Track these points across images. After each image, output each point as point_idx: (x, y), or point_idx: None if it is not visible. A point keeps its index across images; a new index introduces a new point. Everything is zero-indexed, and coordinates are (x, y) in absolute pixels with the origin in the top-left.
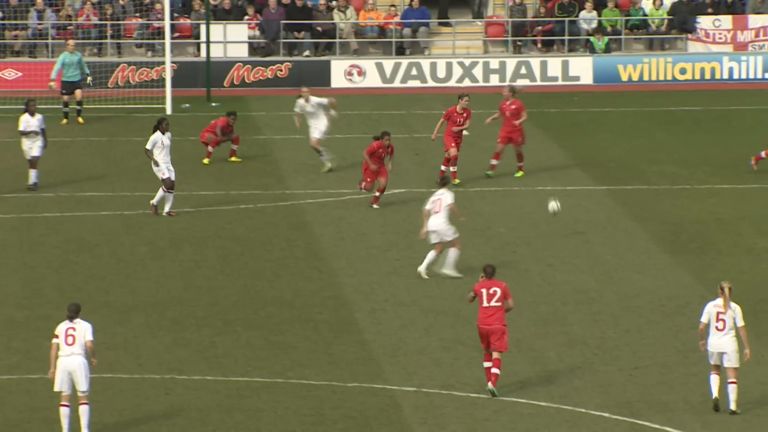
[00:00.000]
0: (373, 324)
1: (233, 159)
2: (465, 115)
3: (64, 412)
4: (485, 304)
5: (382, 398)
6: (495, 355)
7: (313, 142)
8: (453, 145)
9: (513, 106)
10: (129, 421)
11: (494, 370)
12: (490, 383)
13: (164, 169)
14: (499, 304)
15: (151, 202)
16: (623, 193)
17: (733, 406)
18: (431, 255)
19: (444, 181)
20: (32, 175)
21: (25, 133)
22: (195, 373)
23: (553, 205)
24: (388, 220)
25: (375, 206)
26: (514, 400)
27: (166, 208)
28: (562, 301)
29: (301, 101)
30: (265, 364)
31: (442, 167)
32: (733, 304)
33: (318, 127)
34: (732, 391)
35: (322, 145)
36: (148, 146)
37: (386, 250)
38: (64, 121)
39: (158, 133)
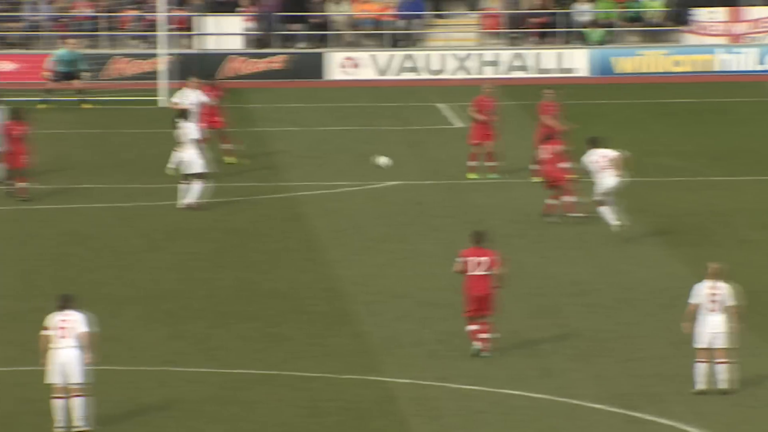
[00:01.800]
0: (368, 316)
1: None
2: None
3: (57, 404)
4: (470, 272)
5: (377, 390)
6: (485, 319)
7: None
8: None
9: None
10: (124, 414)
11: (484, 335)
12: (477, 343)
13: None
14: (485, 272)
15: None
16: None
17: (726, 385)
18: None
19: (595, 141)
20: None
21: None
22: (190, 365)
23: (382, 161)
24: (384, 212)
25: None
26: (508, 392)
27: (188, 200)
28: (557, 294)
29: (186, 90)
30: (260, 356)
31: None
32: (723, 284)
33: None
34: (723, 371)
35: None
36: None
37: (381, 241)
38: (43, 105)
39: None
